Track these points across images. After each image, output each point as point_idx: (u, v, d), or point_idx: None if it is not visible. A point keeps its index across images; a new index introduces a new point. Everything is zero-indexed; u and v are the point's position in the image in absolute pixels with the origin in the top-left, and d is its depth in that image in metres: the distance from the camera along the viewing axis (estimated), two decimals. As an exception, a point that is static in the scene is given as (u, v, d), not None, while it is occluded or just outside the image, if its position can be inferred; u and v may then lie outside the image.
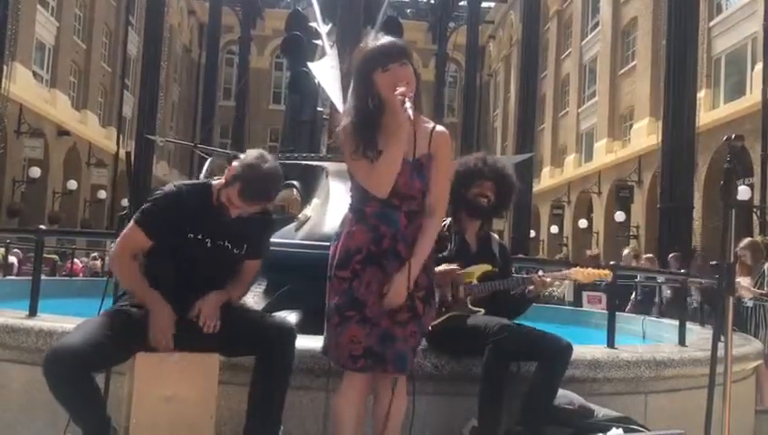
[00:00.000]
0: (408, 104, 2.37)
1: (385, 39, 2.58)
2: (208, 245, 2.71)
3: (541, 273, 3.36)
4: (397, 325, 2.49)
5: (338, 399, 2.65)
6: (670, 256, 11.12)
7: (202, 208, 2.70)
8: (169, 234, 2.68)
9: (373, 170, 2.46)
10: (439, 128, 2.60)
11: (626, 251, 12.22)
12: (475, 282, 3.25)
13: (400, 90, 2.40)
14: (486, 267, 3.29)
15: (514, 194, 3.43)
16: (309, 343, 2.99)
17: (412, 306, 2.50)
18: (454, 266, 3.17)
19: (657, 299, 9.89)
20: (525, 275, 3.40)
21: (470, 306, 3.23)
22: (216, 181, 2.76)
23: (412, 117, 2.36)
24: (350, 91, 2.64)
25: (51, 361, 2.36)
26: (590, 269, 3.34)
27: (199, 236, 2.70)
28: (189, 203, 2.70)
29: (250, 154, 2.68)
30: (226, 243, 2.74)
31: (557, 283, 3.58)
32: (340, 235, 2.58)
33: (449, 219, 3.36)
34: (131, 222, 2.70)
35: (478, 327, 3.06)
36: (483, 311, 3.22)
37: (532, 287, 3.28)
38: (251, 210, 2.69)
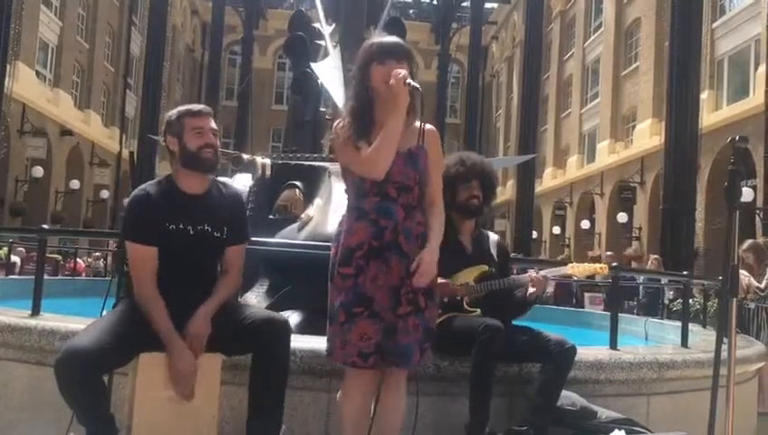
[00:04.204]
0: (410, 79, 2.44)
1: (392, 38, 2.68)
2: (191, 232, 2.69)
3: (537, 269, 3.36)
4: (399, 319, 2.47)
5: (342, 399, 2.63)
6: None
7: (170, 198, 2.70)
8: (156, 233, 2.66)
9: (370, 150, 2.48)
10: (428, 125, 2.64)
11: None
12: (472, 283, 3.25)
13: (401, 71, 2.46)
14: (483, 268, 3.29)
15: (497, 186, 3.46)
16: (311, 343, 3.00)
17: (414, 300, 2.49)
18: (442, 280, 3.17)
19: (660, 301, 9.90)
20: (523, 275, 3.39)
21: (466, 307, 3.23)
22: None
23: (417, 86, 2.43)
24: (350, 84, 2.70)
25: (64, 363, 2.36)
26: (586, 264, 3.36)
27: (180, 226, 2.68)
28: (157, 197, 2.69)
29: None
30: (206, 226, 2.72)
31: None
32: (339, 235, 2.59)
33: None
34: (127, 245, 2.67)
35: (467, 328, 3.06)
36: (478, 311, 3.22)
37: (533, 290, 3.27)
38: (202, 124, 2.72)
